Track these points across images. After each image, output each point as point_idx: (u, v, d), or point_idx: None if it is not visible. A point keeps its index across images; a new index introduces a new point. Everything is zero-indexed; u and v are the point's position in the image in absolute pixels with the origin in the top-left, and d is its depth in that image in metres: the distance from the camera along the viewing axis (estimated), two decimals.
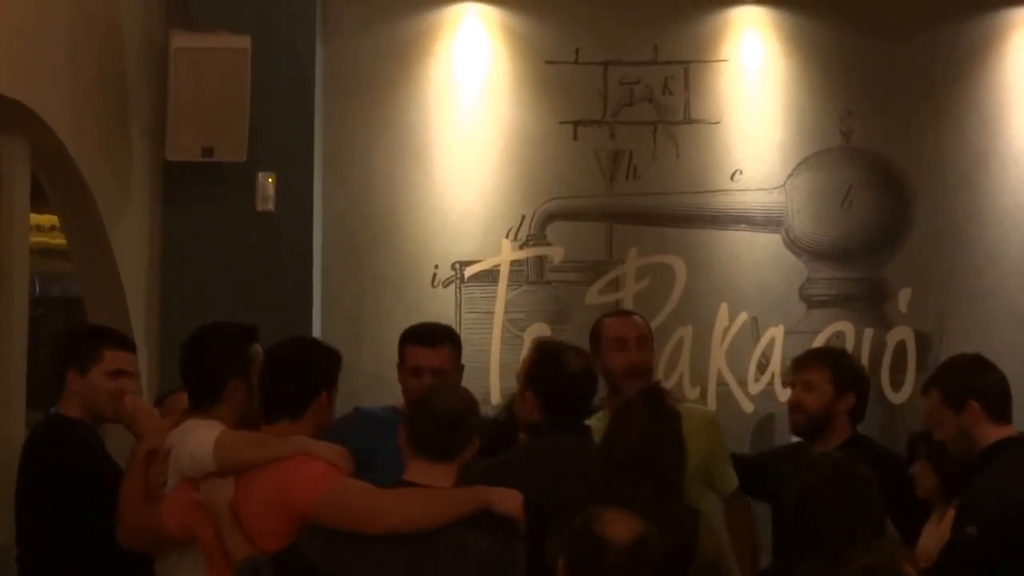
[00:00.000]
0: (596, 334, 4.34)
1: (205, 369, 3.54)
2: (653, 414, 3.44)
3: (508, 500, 3.21)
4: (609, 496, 3.23)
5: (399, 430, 3.34)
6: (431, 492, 3.20)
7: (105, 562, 3.65)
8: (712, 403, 5.67)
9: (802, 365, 4.22)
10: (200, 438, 3.39)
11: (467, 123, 5.76)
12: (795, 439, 4.31)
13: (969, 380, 3.78)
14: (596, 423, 3.80)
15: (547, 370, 3.71)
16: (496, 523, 3.18)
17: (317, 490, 3.23)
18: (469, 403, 3.36)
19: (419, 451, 3.26)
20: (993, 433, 3.72)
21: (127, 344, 3.90)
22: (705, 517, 3.54)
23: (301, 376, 3.43)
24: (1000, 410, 3.76)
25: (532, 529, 3.30)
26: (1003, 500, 3.60)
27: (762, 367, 5.73)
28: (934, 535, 3.87)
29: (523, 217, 5.78)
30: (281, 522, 3.26)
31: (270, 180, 5.44)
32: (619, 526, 2.84)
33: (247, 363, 3.54)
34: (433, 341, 4.13)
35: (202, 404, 3.53)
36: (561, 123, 5.78)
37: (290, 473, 3.28)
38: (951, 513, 3.80)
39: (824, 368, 4.10)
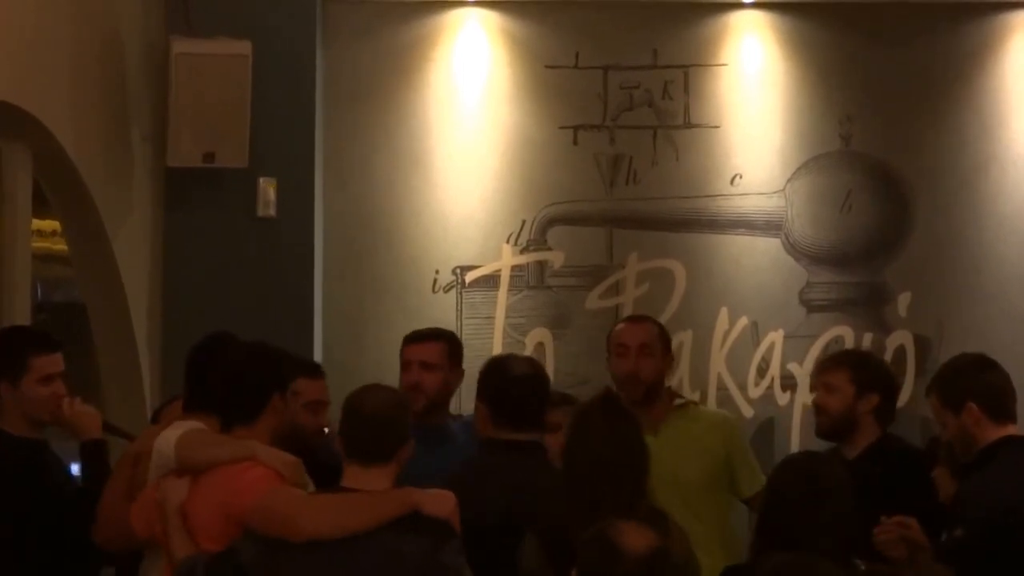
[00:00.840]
0: (607, 340, 4.40)
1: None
2: (609, 419, 3.40)
3: (438, 502, 3.13)
4: (575, 502, 3.24)
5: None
6: (357, 496, 3.12)
7: None
8: (712, 407, 5.67)
9: (823, 368, 4.21)
10: (169, 436, 3.39)
11: (467, 128, 5.77)
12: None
13: (966, 381, 3.77)
14: None
15: (491, 377, 3.75)
16: (427, 526, 3.10)
17: (254, 496, 3.20)
18: (398, 403, 3.26)
19: (350, 454, 3.19)
20: (992, 433, 3.71)
21: (51, 345, 3.76)
22: (672, 518, 3.49)
23: (250, 382, 3.40)
24: (1000, 409, 3.74)
25: (499, 542, 3.31)
26: (991, 500, 3.59)
27: (762, 371, 5.74)
28: None
29: (524, 222, 5.79)
30: (226, 525, 3.24)
31: (271, 186, 5.44)
32: (635, 537, 2.79)
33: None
34: (423, 337, 4.25)
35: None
36: (561, 128, 5.79)
37: (236, 477, 3.27)
38: None
39: (844, 369, 4.08)
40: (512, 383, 3.71)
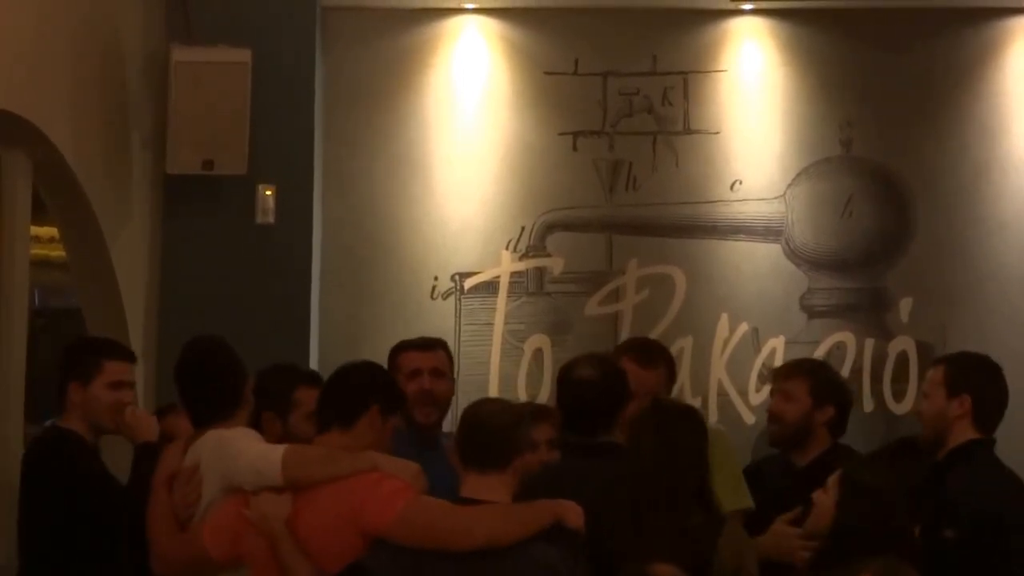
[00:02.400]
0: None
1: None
2: (661, 423, 3.49)
3: (576, 513, 3.23)
4: (631, 510, 3.34)
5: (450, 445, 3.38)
6: (509, 508, 3.22)
7: None
8: (713, 414, 5.68)
9: (782, 374, 4.22)
10: (260, 451, 3.33)
11: (466, 134, 5.79)
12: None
13: (979, 377, 3.82)
14: None
15: (560, 380, 3.83)
16: (563, 537, 3.21)
17: (393, 509, 3.19)
18: (515, 413, 3.38)
19: (467, 462, 3.28)
20: (965, 434, 3.77)
21: (127, 355, 3.96)
22: (731, 521, 3.56)
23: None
24: (986, 420, 3.80)
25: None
26: (980, 503, 3.65)
27: (763, 378, 5.72)
28: None
29: (523, 228, 5.80)
30: (351, 539, 3.21)
31: (269, 192, 5.46)
32: None
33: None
34: (428, 345, 4.22)
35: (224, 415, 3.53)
36: (560, 134, 5.81)
37: (364, 490, 3.23)
38: None
39: (803, 379, 4.08)
40: (574, 387, 3.74)
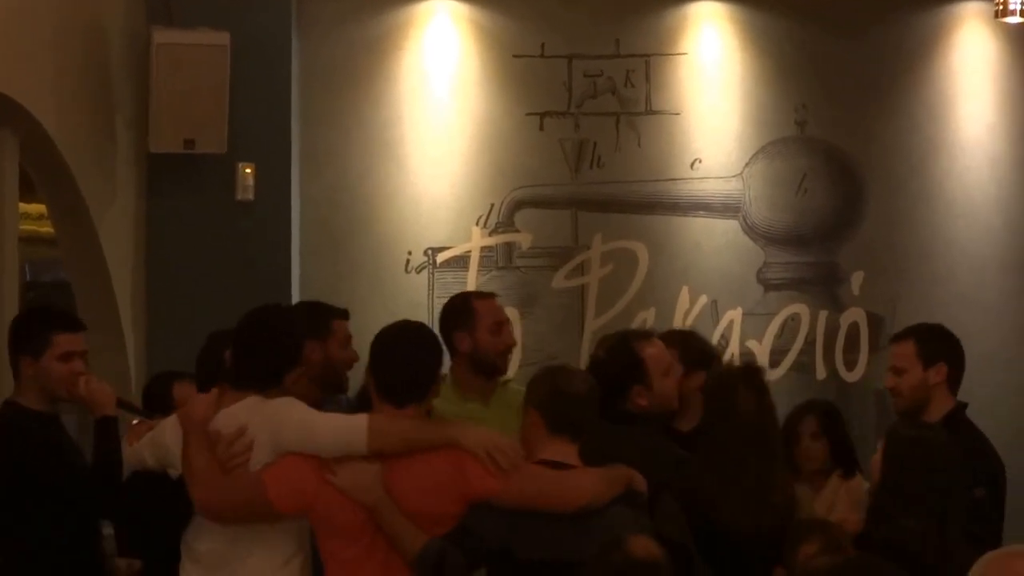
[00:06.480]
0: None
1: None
2: (752, 389, 3.58)
3: (640, 479, 3.38)
4: (716, 474, 3.46)
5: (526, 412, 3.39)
6: (602, 473, 3.33)
7: (65, 555, 3.67)
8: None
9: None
10: (341, 422, 3.30)
11: (438, 114, 5.89)
12: None
13: (946, 345, 3.99)
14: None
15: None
16: (635, 499, 3.35)
17: (498, 475, 3.24)
18: (593, 384, 3.46)
19: (560, 430, 3.35)
20: (946, 399, 3.93)
21: (76, 325, 3.83)
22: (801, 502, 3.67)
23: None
24: (958, 382, 3.99)
25: None
26: (990, 459, 3.86)
27: (722, 348, 5.85)
28: (845, 501, 4.04)
29: (492, 205, 5.93)
30: (451, 506, 3.26)
31: (249, 170, 5.55)
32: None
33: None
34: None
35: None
36: (528, 114, 5.93)
37: (462, 459, 3.26)
38: (854, 482, 4.04)
39: (673, 349, 4.02)
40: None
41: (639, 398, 3.77)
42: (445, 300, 4.39)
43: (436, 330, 3.68)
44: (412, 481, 3.26)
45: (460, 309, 4.17)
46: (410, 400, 3.33)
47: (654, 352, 3.84)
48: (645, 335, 3.98)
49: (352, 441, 3.26)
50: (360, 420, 3.31)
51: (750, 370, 3.70)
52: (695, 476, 3.55)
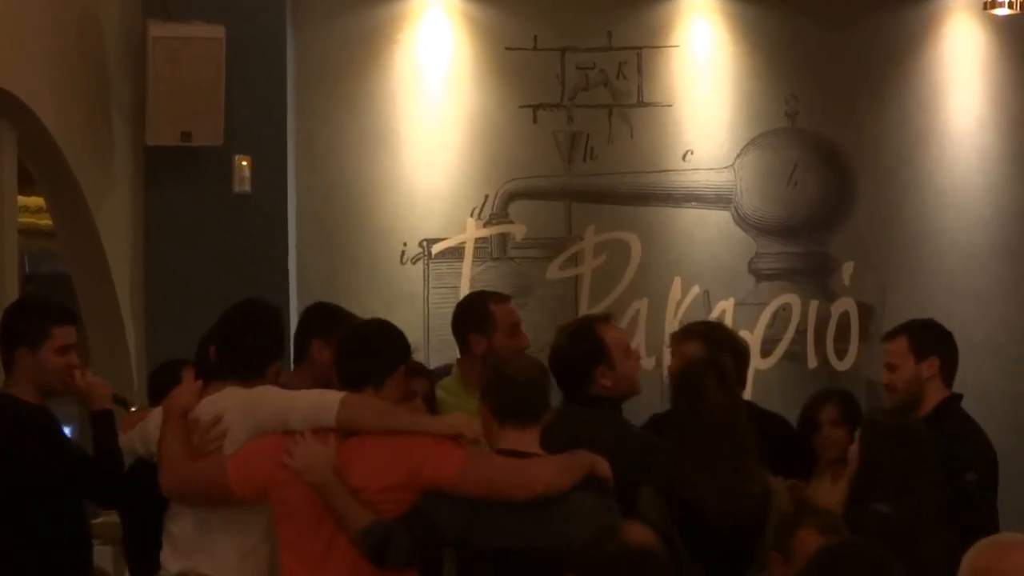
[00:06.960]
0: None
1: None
2: (721, 381, 3.62)
3: (603, 464, 3.36)
4: (693, 463, 3.50)
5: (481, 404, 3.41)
6: (559, 459, 3.32)
7: (62, 548, 3.70)
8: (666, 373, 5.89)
9: (678, 339, 4.26)
10: (318, 393, 3.36)
11: (432, 107, 5.94)
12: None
13: (938, 338, 4.07)
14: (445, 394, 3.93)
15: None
16: (597, 485, 3.34)
17: (453, 464, 3.26)
18: (543, 369, 3.48)
19: (505, 418, 3.35)
20: (939, 392, 4.02)
21: (72, 318, 3.83)
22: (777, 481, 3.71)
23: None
24: (952, 375, 4.07)
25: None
26: (983, 446, 3.96)
27: None
28: (835, 495, 4.01)
29: (486, 196, 5.98)
30: (407, 494, 3.26)
31: (245, 163, 5.60)
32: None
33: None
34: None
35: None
36: (521, 107, 5.98)
37: (421, 449, 3.28)
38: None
39: (698, 342, 4.09)
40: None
41: (603, 379, 3.80)
42: (440, 291, 4.45)
43: (449, 326, 3.70)
44: (362, 457, 3.29)
45: (478, 312, 4.28)
46: (362, 384, 3.34)
47: (615, 335, 3.91)
48: (604, 318, 4.03)
49: (325, 406, 3.30)
50: (336, 393, 3.36)
51: (717, 363, 3.72)
52: (673, 466, 3.58)
